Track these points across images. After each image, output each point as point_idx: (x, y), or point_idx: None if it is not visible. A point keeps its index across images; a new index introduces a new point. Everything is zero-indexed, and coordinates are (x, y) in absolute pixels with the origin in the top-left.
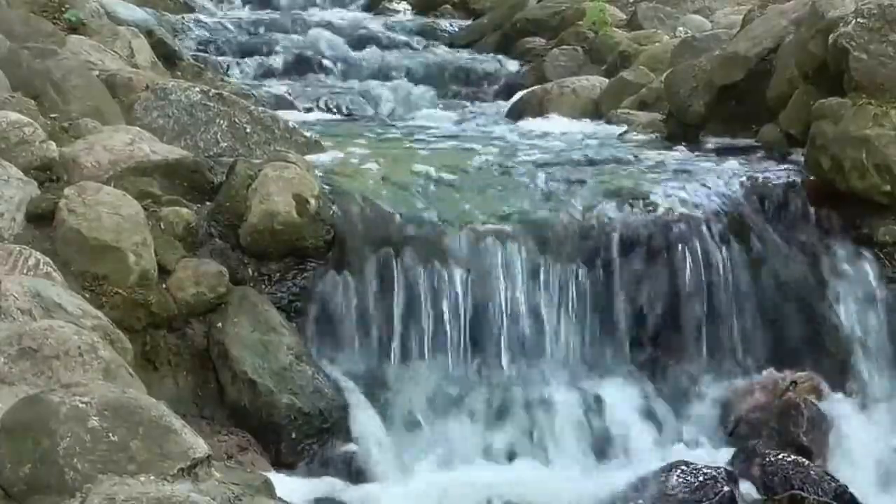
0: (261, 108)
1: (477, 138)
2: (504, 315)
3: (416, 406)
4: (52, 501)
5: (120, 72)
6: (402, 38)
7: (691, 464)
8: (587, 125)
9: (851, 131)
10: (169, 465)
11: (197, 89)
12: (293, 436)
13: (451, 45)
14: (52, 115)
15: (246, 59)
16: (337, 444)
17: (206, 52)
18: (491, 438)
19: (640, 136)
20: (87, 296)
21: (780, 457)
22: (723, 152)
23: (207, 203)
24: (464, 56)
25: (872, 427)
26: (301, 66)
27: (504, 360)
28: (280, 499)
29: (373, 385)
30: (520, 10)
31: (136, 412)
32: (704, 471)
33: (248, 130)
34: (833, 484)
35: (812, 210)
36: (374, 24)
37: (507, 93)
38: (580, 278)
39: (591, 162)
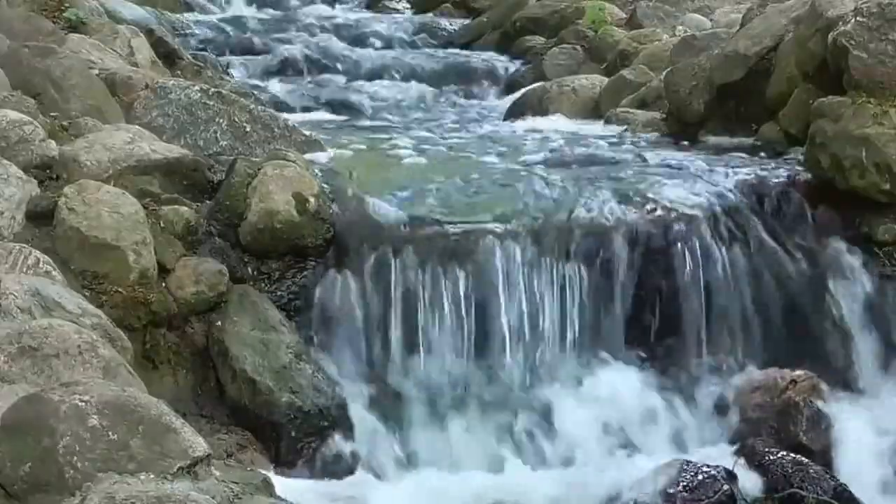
0: (260, 107)
1: (476, 137)
2: (503, 314)
3: (416, 404)
4: (52, 500)
5: (120, 70)
6: (402, 36)
7: (690, 462)
8: (586, 124)
9: (851, 130)
10: (169, 463)
11: (196, 88)
12: (293, 434)
13: (450, 44)
14: (52, 114)
15: (245, 58)
16: (336, 442)
17: (206, 50)
18: (491, 437)
19: (640, 135)
20: (87, 294)
21: (779, 455)
22: (722, 151)
23: (207, 202)
24: (463, 55)
25: (871, 426)
26: (301, 65)
27: (504, 360)
28: (279, 497)
29: (372, 383)
30: (519, 9)
31: (135, 411)
32: (704, 469)
33: (247, 129)
34: (832, 482)
35: (811, 209)
36: (374, 23)
37: (506, 91)
38: (579, 277)
39: (591, 161)
